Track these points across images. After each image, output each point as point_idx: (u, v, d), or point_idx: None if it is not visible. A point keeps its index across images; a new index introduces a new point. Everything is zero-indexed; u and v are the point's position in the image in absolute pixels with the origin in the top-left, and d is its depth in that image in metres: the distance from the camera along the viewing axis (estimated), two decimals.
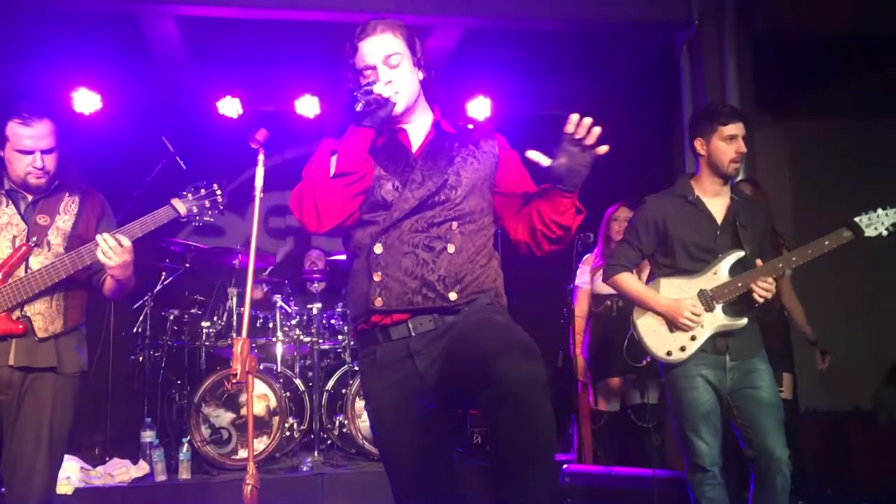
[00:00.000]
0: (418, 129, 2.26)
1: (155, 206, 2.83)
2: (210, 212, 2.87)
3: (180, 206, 2.82)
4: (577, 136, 2.02)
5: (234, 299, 5.05)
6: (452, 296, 2.07)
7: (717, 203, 3.23)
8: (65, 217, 2.82)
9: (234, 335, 4.93)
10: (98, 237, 2.64)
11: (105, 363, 4.79)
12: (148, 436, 4.55)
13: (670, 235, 3.21)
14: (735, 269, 3.16)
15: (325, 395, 4.96)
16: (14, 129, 2.70)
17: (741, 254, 3.16)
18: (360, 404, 4.77)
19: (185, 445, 4.45)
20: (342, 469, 4.61)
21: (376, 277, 2.09)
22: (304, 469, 4.55)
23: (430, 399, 2.09)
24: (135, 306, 5.04)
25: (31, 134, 2.70)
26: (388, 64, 2.16)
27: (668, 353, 3.15)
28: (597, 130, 2.02)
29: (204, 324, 5.04)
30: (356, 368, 4.96)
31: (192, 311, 5.16)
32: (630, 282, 3.30)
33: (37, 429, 2.67)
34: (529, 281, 4.46)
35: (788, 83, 5.86)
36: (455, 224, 2.12)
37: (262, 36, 5.76)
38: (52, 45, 5.58)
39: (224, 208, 2.92)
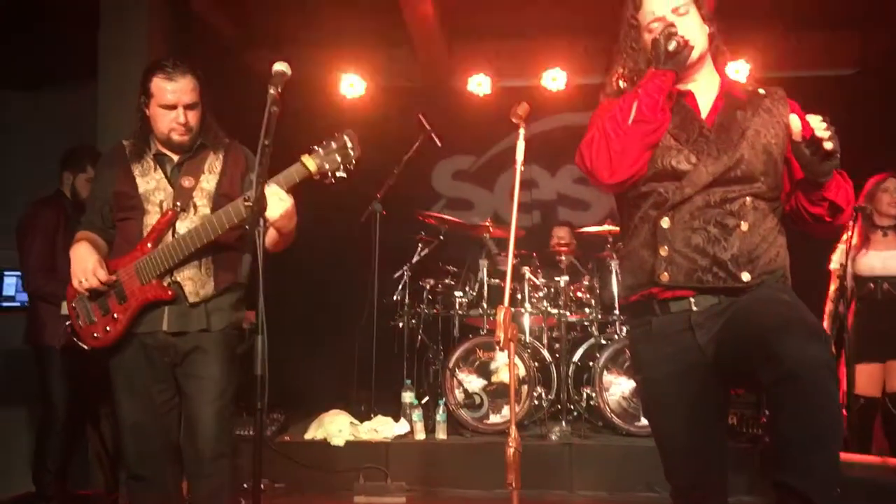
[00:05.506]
0: (705, 92, 2.17)
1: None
2: (343, 167, 2.57)
3: (310, 162, 2.54)
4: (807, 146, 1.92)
5: (485, 271, 5.23)
6: (745, 276, 1.99)
7: None
8: (209, 177, 2.73)
9: (485, 305, 5.13)
10: (266, 189, 2.31)
11: (370, 327, 5.19)
12: (407, 396, 4.88)
13: None
14: None
15: (571, 366, 5.01)
16: (158, 83, 2.62)
17: None
18: (607, 378, 4.77)
19: (441, 407, 4.72)
20: (590, 441, 4.64)
21: (662, 252, 2.05)
22: (553, 438, 4.64)
23: (707, 372, 2.03)
24: (395, 276, 5.40)
25: (174, 88, 2.62)
26: (677, 13, 2.09)
27: None
28: (828, 146, 1.88)
29: (456, 294, 5.29)
30: (603, 342, 4.97)
31: (446, 281, 5.42)
32: None
33: (198, 387, 2.67)
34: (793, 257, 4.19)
35: None
36: (749, 200, 2.03)
37: (513, 9, 5.85)
38: (317, 32, 6.07)
39: (355, 162, 2.58)
